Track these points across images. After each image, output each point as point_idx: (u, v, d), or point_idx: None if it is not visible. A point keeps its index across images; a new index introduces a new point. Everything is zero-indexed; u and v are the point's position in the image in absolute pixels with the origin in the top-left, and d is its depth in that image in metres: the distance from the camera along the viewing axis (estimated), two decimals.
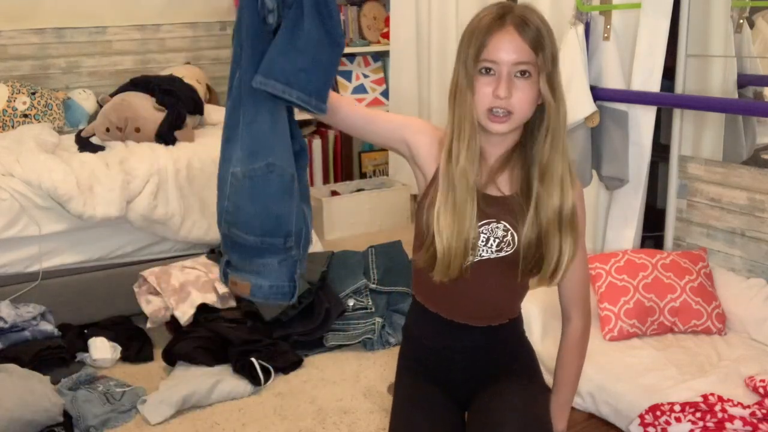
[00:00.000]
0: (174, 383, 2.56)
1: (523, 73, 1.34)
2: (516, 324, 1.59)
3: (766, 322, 2.30)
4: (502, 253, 1.43)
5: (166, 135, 3.22)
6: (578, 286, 1.54)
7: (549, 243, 1.40)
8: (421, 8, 4.03)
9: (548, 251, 1.40)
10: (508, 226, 1.42)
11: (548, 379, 1.63)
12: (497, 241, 1.42)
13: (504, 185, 1.43)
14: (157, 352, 2.83)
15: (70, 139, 3.32)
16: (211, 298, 2.89)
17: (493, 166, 1.43)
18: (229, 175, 1.32)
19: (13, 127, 3.50)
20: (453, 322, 1.52)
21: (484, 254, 1.43)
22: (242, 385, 2.58)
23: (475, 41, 1.35)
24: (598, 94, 2.62)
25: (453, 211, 1.37)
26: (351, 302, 2.99)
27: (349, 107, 1.48)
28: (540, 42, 1.34)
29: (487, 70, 1.35)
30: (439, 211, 1.38)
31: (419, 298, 1.57)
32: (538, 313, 2.33)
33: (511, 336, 1.58)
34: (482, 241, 1.42)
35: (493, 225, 1.42)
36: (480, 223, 1.41)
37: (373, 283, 3.04)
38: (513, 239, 1.42)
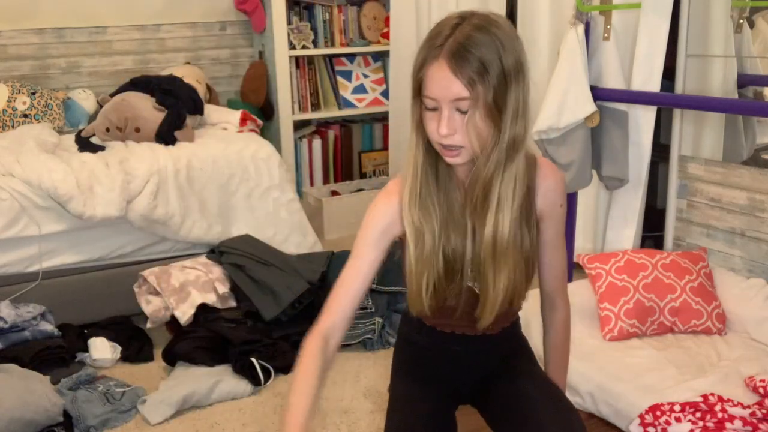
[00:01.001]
0: (174, 383, 2.56)
1: (463, 108, 1.24)
2: (517, 321, 1.63)
3: (766, 322, 2.29)
4: None
5: (166, 135, 3.22)
6: (562, 274, 1.56)
7: (485, 274, 1.36)
8: (421, 8, 4.03)
9: (484, 284, 1.37)
10: None
11: None
12: None
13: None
14: (157, 352, 2.83)
15: (70, 139, 3.32)
16: (211, 298, 2.89)
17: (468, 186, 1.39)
18: None
19: (13, 127, 3.50)
20: (465, 335, 1.52)
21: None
22: (242, 385, 2.58)
23: (414, 74, 1.28)
24: (598, 94, 2.62)
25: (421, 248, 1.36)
26: None
27: (344, 307, 1.43)
28: (479, 74, 1.21)
29: (431, 107, 1.27)
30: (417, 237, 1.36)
31: (427, 322, 1.54)
32: (537, 313, 2.33)
33: (514, 329, 1.61)
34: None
35: None
36: None
37: (373, 283, 3.04)
38: None
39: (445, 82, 1.23)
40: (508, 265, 1.36)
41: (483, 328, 1.44)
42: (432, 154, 1.35)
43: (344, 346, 2.88)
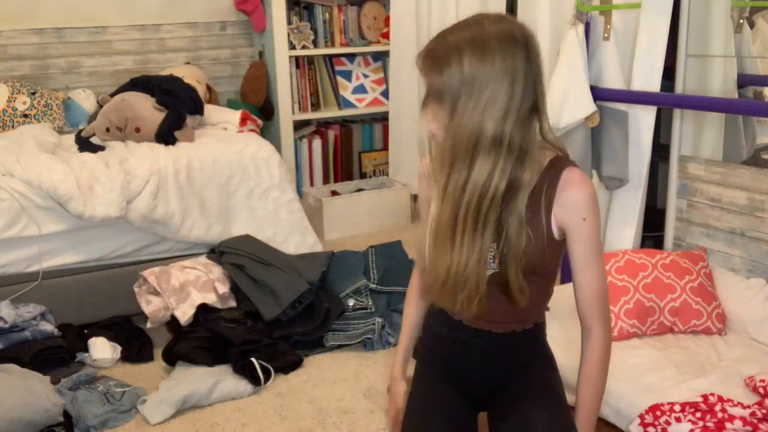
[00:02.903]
0: (174, 383, 2.56)
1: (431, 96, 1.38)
2: (540, 327, 1.59)
3: (766, 322, 2.29)
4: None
5: (166, 135, 3.22)
6: (596, 298, 1.48)
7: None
8: (421, 8, 4.03)
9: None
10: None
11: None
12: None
13: None
14: (157, 352, 2.83)
15: (70, 139, 3.32)
16: (211, 298, 2.89)
17: None
18: None
19: (13, 127, 3.50)
20: (475, 329, 1.53)
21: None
22: (242, 385, 2.58)
23: None
24: (598, 94, 2.62)
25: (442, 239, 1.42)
26: (351, 302, 2.99)
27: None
28: (434, 67, 1.35)
29: None
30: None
31: (453, 316, 1.56)
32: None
33: (533, 339, 1.58)
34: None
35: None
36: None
37: (373, 283, 3.04)
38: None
39: (421, 67, 1.41)
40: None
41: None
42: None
43: (344, 346, 2.88)
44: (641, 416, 1.93)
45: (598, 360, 1.50)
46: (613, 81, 2.65)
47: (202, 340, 2.71)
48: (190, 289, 2.87)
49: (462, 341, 1.55)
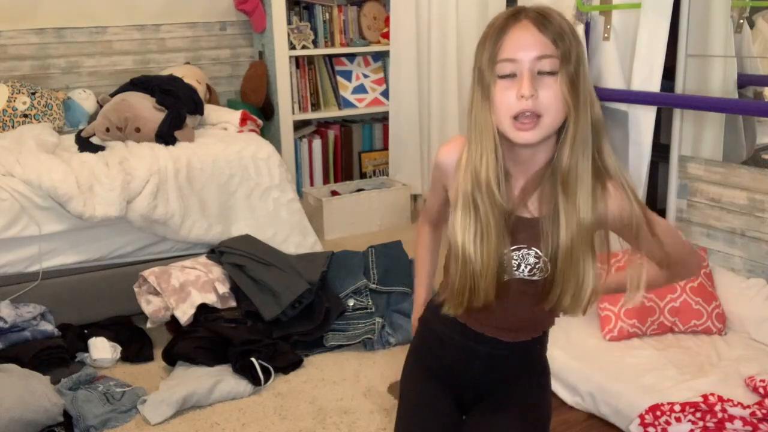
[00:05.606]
0: (174, 383, 2.56)
1: (547, 68, 1.20)
2: (543, 338, 1.55)
3: (766, 322, 2.30)
4: (535, 278, 1.36)
5: (166, 135, 3.22)
6: (663, 257, 1.39)
7: (573, 263, 1.28)
8: (421, 8, 4.03)
9: (572, 273, 1.29)
10: (540, 253, 1.32)
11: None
12: (529, 267, 1.35)
13: (534, 206, 1.32)
14: (157, 352, 2.83)
15: (70, 139, 3.32)
16: (211, 298, 2.89)
17: (525, 185, 1.32)
18: None
19: (13, 127, 3.50)
20: (481, 334, 1.47)
21: (517, 275, 1.36)
22: (242, 385, 2.58)
23: (489, 44, 1.23)
24: (598, 94, 2.59)
25: (479, 234, 1.28)
26: (351, 302, 2.99)
27: (441, 214, 1.52)
28: (561, 35, 1.20)
29: (507, 73, 1.21)
30: (465, 235, 1.30)
31: (461, 319, 1.50)
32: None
33: (534, 350, 1.53)
34: (513, 267, 1.34)
35: (524, 251, 1.34)
36: (512, 248, 1.33)
37: (373, 283, 3.04)
38: (546, 266, 1.33)
39: (534, 38, 1.20)
40: (594, 256, 1.29)
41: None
42: (488, 148, 1.27)
43: (344, 346, 2.88)
44: (641, 416, 1.93)
45: (661, 278, 1.45)
46: (613, 81, 2.65)
47: (202, 340, 2.71)
48: (190, 289, 2.87)
49: (465, 346, 1.49)
